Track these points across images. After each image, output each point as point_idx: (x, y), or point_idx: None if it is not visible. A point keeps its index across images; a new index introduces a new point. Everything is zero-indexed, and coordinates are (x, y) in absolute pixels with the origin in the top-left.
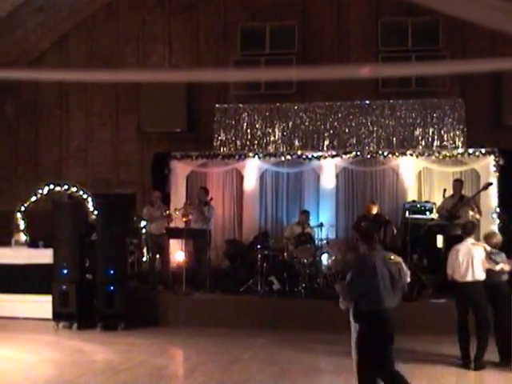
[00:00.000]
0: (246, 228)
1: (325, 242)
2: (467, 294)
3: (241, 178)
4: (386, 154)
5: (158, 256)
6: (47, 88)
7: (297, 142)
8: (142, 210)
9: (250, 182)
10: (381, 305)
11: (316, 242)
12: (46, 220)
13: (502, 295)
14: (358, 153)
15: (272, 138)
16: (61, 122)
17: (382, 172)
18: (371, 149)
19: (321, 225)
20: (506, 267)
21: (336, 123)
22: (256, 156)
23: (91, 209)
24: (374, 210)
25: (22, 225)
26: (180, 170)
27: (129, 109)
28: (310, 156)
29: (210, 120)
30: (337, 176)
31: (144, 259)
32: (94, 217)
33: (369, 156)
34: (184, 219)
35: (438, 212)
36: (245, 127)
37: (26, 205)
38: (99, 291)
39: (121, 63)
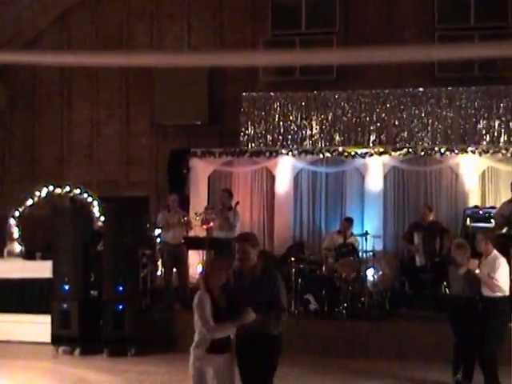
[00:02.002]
0: (277, 238)
1: (370, 254)
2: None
3: (272, 178)
4: (443, 150)
5: (174, 270)
6: (46, 74)
7: (337, 137)
8: (157, 215)
9: (283, 184)
10: None
11: (360, 254)
12: (45, 227)
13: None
14: (410, 149)
15: (308, 132)
16: (62, 113)
17: (439, 172)
18: (426, 145)
19: (366, 234)
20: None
21: (384, 114)
22: (290, 153)
23: (97, 214)
24: (430, 217)
25: (16, 233)
26: (201, 170)
27: (141, 98)
28: (352, 153)
29: (236, 111)
30: (385, 177)
31: (158, 273)
32: (100, 224)
33: (423, 153)
34: (205, 226)
35: (494, 219)
36: (276, 119)
37: (20, 209)
38: (106, 311)
39: (131, 44)
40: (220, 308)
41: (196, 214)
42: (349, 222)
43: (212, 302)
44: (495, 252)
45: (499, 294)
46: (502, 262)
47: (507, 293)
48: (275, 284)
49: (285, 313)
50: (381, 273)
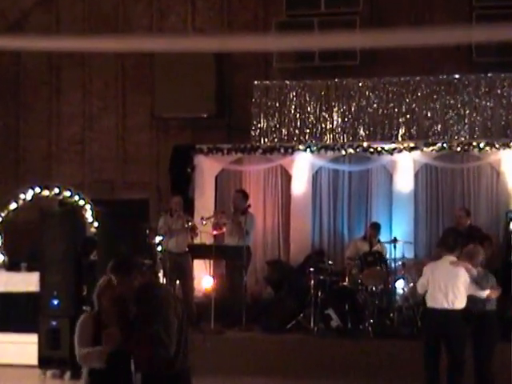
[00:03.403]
0: (294, 245)
1: (400, 263)
2: (441, 324)
3: (287, 178)
4: (482, 145)
5: (178, 282)
6: (32, 60)
7: (362, 131)
8: (157, 220)
9: (300, 184)
10: None
11: (388, 263)
12: (31, 234)
13: (488, 329)
14: (445, 144)
15: (329, 126)
16: (50, 104)
17: (478, 170)
18: (462, 139)
19: (394, 241)
20: (494, 294)
21: (414, 105)
22: (308, 149)
23: (90, 219)
24: (467, 222)
25: None
26: (207, 169)
27: (139, 88)
28: (379, 149)
29: (247, 102)
30: (416, 175)
31: None
32: (93, 230)
33: (459, 148)
34: (215, 232)
35: None
36: (292, 111)
37: (3, 214)
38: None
39: (129, 27)
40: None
41: (202, 218)
42: (375, 227)
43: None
44: None
45: None
46: None
47: None
48: None
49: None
50: (411, 284)
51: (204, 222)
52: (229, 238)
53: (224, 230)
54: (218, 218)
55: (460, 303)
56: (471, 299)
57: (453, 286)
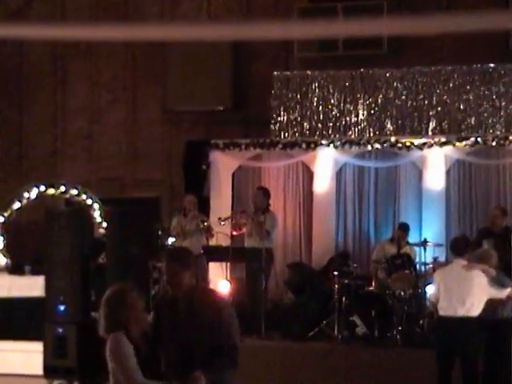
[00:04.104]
0: (316, 247)
1: (430, 266)
2: (456, 334)
3: (309, 175)
4: None
5: None
6: (35, 50)
7: (389, 125)
8: (170, 220)
9: (323, 182)
10: None
11: (417, 266)
12: (35, 235)
13: (506, 338)
14: (479, 139)
15: (354, 119)
16: (55, 97)
17: None
18: (498, 133)
19: (424, 242)
20: None
21: (446, 96)
22: (331, 144)
23: (98, 219)
24: (503, 222)
25: (0, 242)
26: (223, 165)
27: (150, 79)
28: (408, 144)
29: (266, 94)
30: (447, 172)
31: None
32: (102, 231)
33: (494, 143)
34: (235, 233)
35: None
36: (315, 103)
37: (5, 214)
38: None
39: (139, 14)
40: (144, 358)
41: (220, 218)
42: (403, 228)
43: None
44: None
45: None
46: None
47: None
48: (222, 315)
49: (237, 352)
50: None
51: (223, 223)
52: (248, 239)
53: (243, 230)
54: (237, 218)
55: (476, 310)
56: (485, 307)
57: (468, 292)
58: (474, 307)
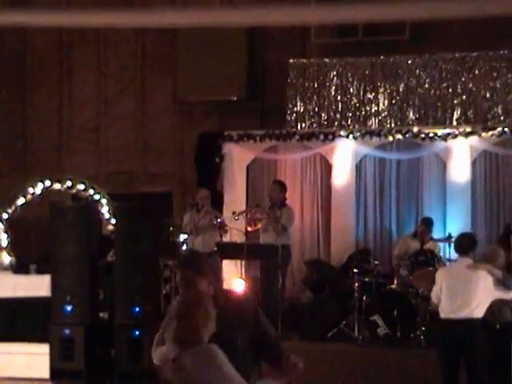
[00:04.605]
0: (335, 243)
1: None
2: (461, 336)
3: (328, 168)
4: None
5: None
6: (40, 38)
7: (411, 114)
8: (182, 216)
9: (342, 175)
10: None
11: (442, 263)
12: (40, 232)
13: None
14: (506, 129)
15: (374, 109)
16: (61, 87)
17: None
18: None
19: (449, 238)
20: None
21: (471, 84)
22: (350, 135)
23: (106, 216)
24: None
25: (4, 240)
26: (238, 158)
27: (160, 68)
28: (431, 135)
29: (282, 82)
30: (473, 164)
31: None
32: (110, 227)
33: None
34: (250, 229)
35: None
36: (333, 92)
37: (9, 211)
38: (119, 337)
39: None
40: None
41: (234, 213)
42: (427, 222)
43: None
44: None
45: None
46: None
47: None
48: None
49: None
50: None
51: (236, 218)
52: (264, 235)
53: (259, 226)
54: (252, 213)
55: (481, 311)
56: (489, 309)
57: (471, 293)
58: (477, 309)
